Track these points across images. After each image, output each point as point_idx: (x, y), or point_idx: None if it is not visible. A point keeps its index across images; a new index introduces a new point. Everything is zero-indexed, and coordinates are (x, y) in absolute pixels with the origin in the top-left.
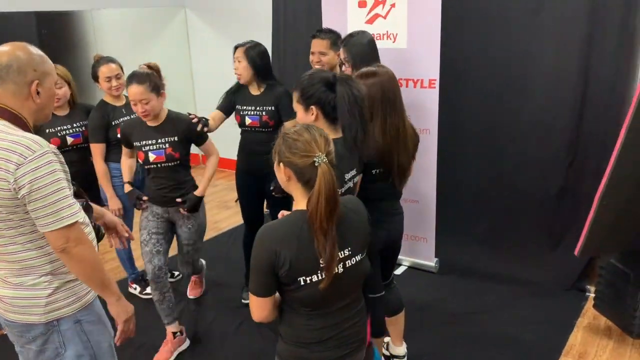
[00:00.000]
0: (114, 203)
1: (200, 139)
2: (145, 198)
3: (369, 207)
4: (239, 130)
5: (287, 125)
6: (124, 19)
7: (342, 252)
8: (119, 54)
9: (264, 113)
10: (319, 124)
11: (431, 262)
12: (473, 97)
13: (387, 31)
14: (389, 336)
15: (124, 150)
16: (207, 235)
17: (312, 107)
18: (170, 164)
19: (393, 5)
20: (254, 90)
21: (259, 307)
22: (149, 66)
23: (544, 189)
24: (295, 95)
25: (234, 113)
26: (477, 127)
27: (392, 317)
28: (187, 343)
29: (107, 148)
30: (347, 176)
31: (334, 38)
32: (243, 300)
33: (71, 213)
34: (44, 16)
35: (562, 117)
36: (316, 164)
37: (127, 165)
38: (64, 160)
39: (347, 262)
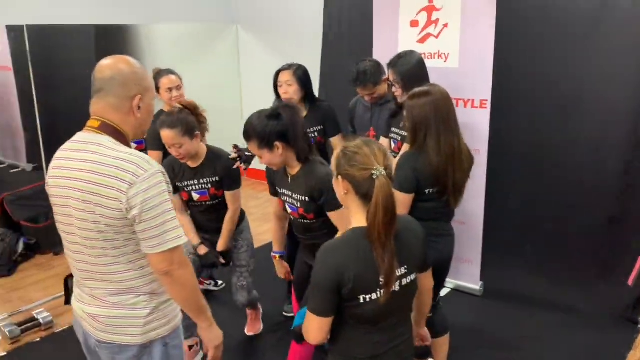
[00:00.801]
0: None
1: (232, 185)
2: (222, 261)
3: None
4: None
5: (334, 142)
6: (178, 33)
7: (398, 270)
8: (172, 67)
9: (316, 134)
10: (287, 154)
11: (476, 285)
12: (524, 118)
13: (438, 51)
14: (432, 358)
15: (177, 204)
16: None
17: (276, 143)
18: (214, 202)
19: (446, 25)
20: (302, 112)
21: (319, 329)
22: (184, 106)
23: (595, 215)
24: (255, 142)
25: None
26: (527, 149)
27: (437, 338)
28: (200, 355)
29: (165, 156)
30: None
31: (373, 79)
32: (285, 314)
33: (176, 236)
34: (101, 29)
35: (617, 142)
36: (374, 177)
37: (186, 223)
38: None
39: (403, 280)
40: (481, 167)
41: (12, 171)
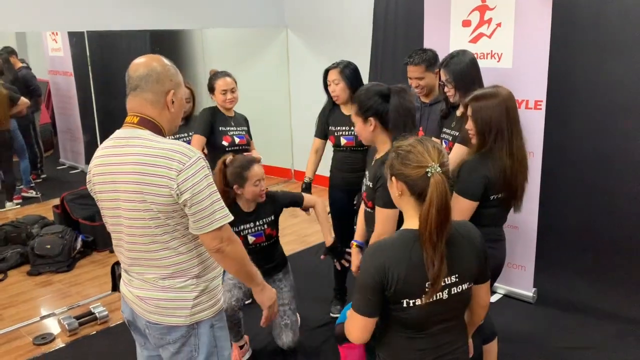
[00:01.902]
0: None
1: (297, 201)
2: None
3: None
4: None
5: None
6: (230, 37)
7: (448, 278)
8: (225, 69)
9: None
10: (377, 135)
11: (529, 292)
12: (582, 121)
13: (491, 50)
14: None
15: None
16: (296, 249)
17: (370, 118)
18: (268, 242)
19: (499, 25)
20: (347, 110)
21: (362, 328)
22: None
23: None
24: (354, 108)
25: (328, 134)
26: (585, 152)
27: (485, 344)
28: (250, 352)
29: (212, 153)
30: None
31: (428, 60)
32: (331, 314)
33: (223, 215)
34: (157, 35)
35: None
36: (429, 174)
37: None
38: (209, 165)
39: (452, 289)
40: (535, 171)
41: (71, 172)
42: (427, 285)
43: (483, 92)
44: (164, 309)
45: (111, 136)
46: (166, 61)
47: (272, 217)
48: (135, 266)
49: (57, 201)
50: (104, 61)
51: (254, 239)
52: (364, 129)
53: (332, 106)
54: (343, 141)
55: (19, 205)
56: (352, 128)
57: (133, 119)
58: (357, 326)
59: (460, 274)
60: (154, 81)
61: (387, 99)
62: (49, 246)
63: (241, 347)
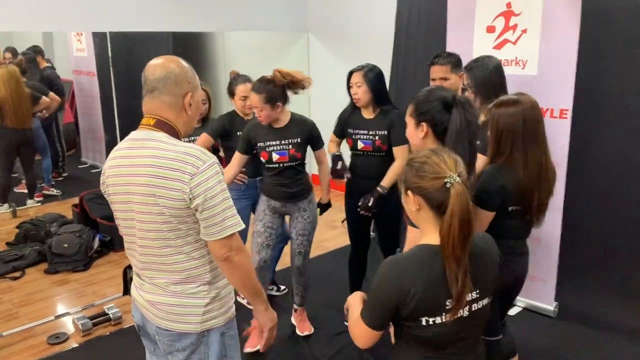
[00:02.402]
0: None
1: (318, 144)
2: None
3: (498, 245)
4: (349, 151)
5: (397, 152)
6: (252, 41)
7: (470, 294)
8: (245, 72)
9: (377, 137)
10: (428, 142)
11: (550, 306)
12: (609, 130)
13: (516, 57)
14: None
15: (236, 157)
16: (313, 254)
17: (423, 123)
18: (292, 164)
19: (524, 31)
20: (368, 114)
21: (368, 338)
22: (273, 75)
23: None
24: (410, 108)
25: (345, 137)
26: (611, 164)
27: None
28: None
29: (229, 157)
30: None
31: (453, 61)
32: (346, 323)
33: (234, 222)
34: (179, 36)
35: None
36: (448, 185)
37: (228, 176)
38: (223, 171)
39: (473, 306)
40: (559, 181)
41: (92, 171)
42: (447, 303)
43: (505, 99)
44: (175, 315)
45: (127, 137)
46: (184, 63)
47: (298, 140)
48: (147, 270)
49: (77, 200)
50: (126, 62)
51: (278, 157)
52: (415, 134)
53: (353, 108)
54: (360, 145)
55: (39, 203)
56: (370, 132)
57: (149, 120)
58: (362, 335)
59: (481, 290)
60: (172, 83)
61: (449, 107)
62: (66, 245)
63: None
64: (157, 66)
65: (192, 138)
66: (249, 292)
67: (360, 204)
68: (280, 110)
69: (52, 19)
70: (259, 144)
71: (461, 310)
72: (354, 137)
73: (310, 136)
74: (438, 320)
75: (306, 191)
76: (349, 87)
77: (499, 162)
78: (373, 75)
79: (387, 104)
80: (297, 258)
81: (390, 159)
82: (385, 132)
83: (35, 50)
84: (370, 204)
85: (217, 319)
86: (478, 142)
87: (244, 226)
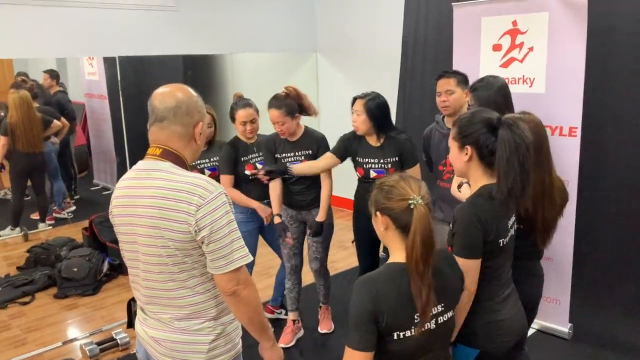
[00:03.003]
0: (263, 210)
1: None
2: (289, 234)
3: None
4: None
5: (411, 174)
6: (260, 62)
7: (435, 308)
8: (254, 93)
9: (389, 165)
10: (472, 166)
11: (564, 328)
12: (619, 147)
13: (523, 75)
14: None
15: (273, 183)
16: None
17: (468, 146)
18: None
19: (531, 49)
20: (374, 142)
21: None
22: (288, 91)
23: None
24: (453, 131)
25: (354, 165)
26: (622, 180)
27: None
28: (302, 331)
29: (236, 183)
30: (510, 222)
31: (460, 77)
32: None
33: (242, 255)
34: (189, 59)
35: None
36: (412, 206)
37: (275, 195)
38: (231, 201)
39: (439, 318)
40: (570, 200)
41: (104, 193)
42: (416, 317)
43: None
44: (178, 352)
45: (133, 167)
46: (192, 92)
47: (310, 152)
48: (151, 305)
49: (87, 223)
50: (135, 85)
51: (375, 174)
52: (458, 157)
53: (357, 135)
54: (373, 174)
55: (51, 227)
56: (382, 160)
57: (155, 150)
58: None
59: (445, 303)
60: (183, 113)
61: (494, 130)
62: (75, 269)
63: (294, 322)
64: (166, 95)
65: (203, 163)
66: (255, 329)
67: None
68: (298, 123)
69: (63, 45)
70: (276, 155)
71: (428, 324)
72: (365, 166)
73: (319, 148)
74: (408, 333)
75: (319, 199)
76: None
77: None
78: (373, 105)
79: (391, 130)
80: (314, 263)
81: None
82: (397, 159)
83: (53, 75)
84: None
85: (223, 357)
86: None
87: (252, 259)
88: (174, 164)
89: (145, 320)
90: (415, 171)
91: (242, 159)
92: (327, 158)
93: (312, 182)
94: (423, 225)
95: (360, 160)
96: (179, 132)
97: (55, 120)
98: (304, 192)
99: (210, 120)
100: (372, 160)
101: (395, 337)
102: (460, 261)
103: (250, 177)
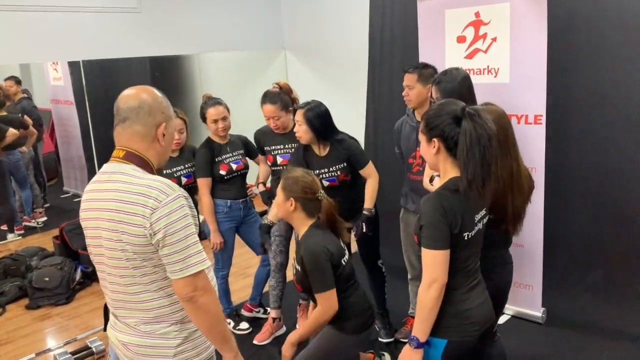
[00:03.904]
0: (216, 237)
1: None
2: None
3: (481, 257)
4: None
5: (366, 172)
6: (228, 61)
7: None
8: (223, 93)
9: (339, 172)
10: (441, 158)
11: (538, 312)
12: (584, 133)
13: (487, 66)
14: None
15: (261, 158)
16: None
17: (435, 139)
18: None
19: (494, 40)
20: (320, 151)
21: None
22: (280, 85)
23: None
24: (421, 125)
25: None
26: (588, 165)
27: None
28: (283, 329)
29: (212, 184)
30: (477, 216)
31: (423, 72)
32: (380, 339)
33: (199, 260)
34: (155, 61)
35: None
36: (320, 198)
37: (263, 170)
38: (192, 204)
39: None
40: (538, 187)
41: (75, 200)
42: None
43: None
44: (145, 357)
45: (100, 170)
46: (158, 93)
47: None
48: (119, 309)
49: (58, 231)
50: (103, 89)
51: (281, 159)
52: (427, 151)
53: (305, 145)
54: (326, 183)
55: (20, 237)
56: (331, 169)
57: (119, 152)
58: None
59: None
60: (145, 114)
61: (459, 121)
62: (47, 278)
63: (273, 320)
64: (130, 96)
65: (178, 171)
66: (216, 338)
67: (354, 234)
68: (290, 117)
69: (25, 51)
70: (265, 148)
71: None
72: (318, 177)
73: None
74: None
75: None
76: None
77: None
78: (312, 115)
79: (334, 136)
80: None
81: (355, 183)
82: (345, 164)
83: (16, 82)
84: (364, 230)
85: None
86: None
87: (209, 264)
88: (137, 167)
89: (115, 324)
90: (368, 170)
91: (217, 159)
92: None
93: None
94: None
95: (316, 172)
96: (140, 132)
97: (10, 129)
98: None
99: (182, 126)
100: (322, 171)
101: None
102: (429, 253)
103: (226, 177)
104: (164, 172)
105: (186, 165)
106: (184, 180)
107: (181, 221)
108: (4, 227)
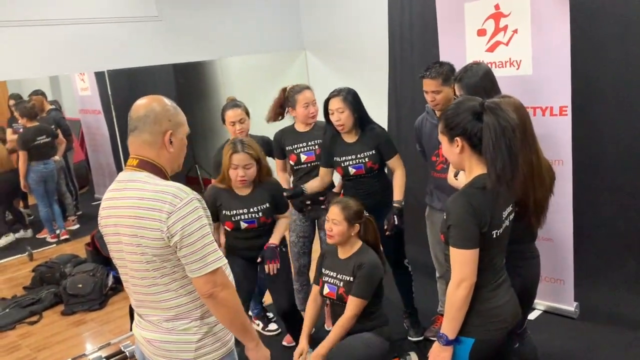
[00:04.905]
0: None
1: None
2: (309, 202)
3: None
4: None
5: (392, 164)
6: (249, 64)
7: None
8: (245, 96)
9: (367, 159)
10: (465, 157)
11: (570, 307)
12: (612, 123)
13: (509, 58)
14: None
15: (280, 164)
16: None
17: (457, 138)
18: (313, 164)
19: (515, 31)
20: (350, 138)
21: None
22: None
23: None
24: (440, 125)
25: (334, 166)
26: (618, 155)
27: None
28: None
29: (207, 182)
30: (505, 213)
31: (445, 73)
32: (410, 338)
33: (216, 258)
34: (179, 67)
35: None
36: None
37: (283, 178)
38: (206, 206)
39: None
40: (566, 180)
41: None
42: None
43: None
44: (168, 352)
45: (116, 178)
46: (167, 101)
47: (321, 141)
48: (142, 308)
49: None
50: (128, 98)
51: (305, 157)
52: (450, 151)
53: (332, 135)
54: (352, 171)
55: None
56: (359, 156)
57: (133, 161)
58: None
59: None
60: (151, 122)
61: (480, 116)
62: (80, 285)
63: None
64: (140, 106)
65: None
66: (237, 330)
67: (386, 227)
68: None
69: (52, 63)
70: (287, 148)
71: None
72: (342, 164)
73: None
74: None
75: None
76: (327, 115)
77: None
78: (352, 98)
79: (368, 123)
80: None
81: (382, 174)
82: (374, 152)
83: (38, 94)
84: (396, 223)
85: (212, 355)
86: None
87: (226, 261)
88: (150, 174)
89: (140, 322)
90: (396, 161)
91: None
92: (323, 172)
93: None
94: None
95: (338, 159)
96: (148, 140)
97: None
98: (312, 176)
99: (249, 161)
100: (349, 157)
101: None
102: (458, 252)
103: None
104: (223, 212)
105: (252, 210)
106: (244, 225)
107: (196, 222)
108: (42, 235)
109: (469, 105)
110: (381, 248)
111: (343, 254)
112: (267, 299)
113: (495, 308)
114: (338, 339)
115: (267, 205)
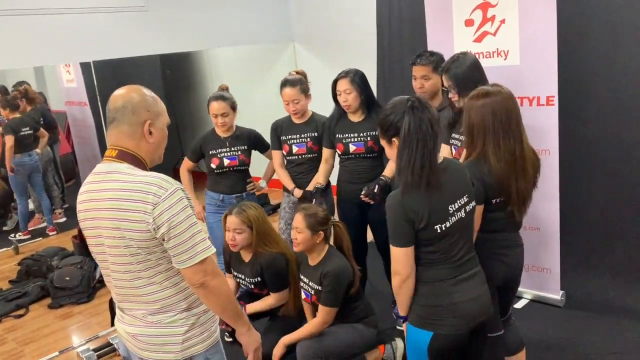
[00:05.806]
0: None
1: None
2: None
3: (486, 239)
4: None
5: None
6: (237, 56)
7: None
8: (233, 87)
9: (369, 138)
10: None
11: (557, 295)
12: (599, 113)
13: (497, 48)
14: None
15: (278, 158)
16: None
17: (394, 139)
18: (310, 156)
19: (503, 22)
20: (355, 117)
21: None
22: (297, 72)
23: None
24: (378, 130)
25: (335, 143)
26: (604, 144)
27: (511, 356)
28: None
29: (208, 176)
30: (453, 205)
31: (435, 62)
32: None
33: (205, 247)
34: (166, 59)
35: None
36: None
37: (284, 174)
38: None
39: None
40: (552, 169)
41: None
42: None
43: (476, 92)
44: (154, 345)
45: (93, 170)
46: (145, 91)
47: (316, 134)
48: (124, 302)
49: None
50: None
51: (297, 149)
52: (392, 153)
53: (339, 115)
54: (352, 148)
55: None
56: (361, 134)
57: (112, 152)
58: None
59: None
60: (129, 112)
61: (413, 109)
62: (68, 278)
63: None
64: (118, 96)
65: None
66: (230, 316)
67: (364, 191)
68: (309, 102)
69: (37, 54)
70: (282, 138)
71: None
72: (344, 141)
73: (324, 131)
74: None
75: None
76: (335, 96)
77: (474, 156)
78: (360, 80)
79: (374, 105)
80: None
81: (379, 161)
82: (377, 133)
83: (22, 85)
84: (375, 191)
85: (198, 346)
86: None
87: (214, 250)
88: (130, 165)
89: (122, 317)
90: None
91: (210, 152)
92: (327, 154)
93: (315, 165)
94: None
95: (339, 136)
96: (126, 131)
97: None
98: (307, 175)
99: (240, 226)
100: (352, 135)
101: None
102: (392, 248)
103: (216, 171)
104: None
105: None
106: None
107: (183, 213)
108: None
109: (400, 105)
110: (351, 253)
111: (312, 260)
112: None
113: (457, 304)
114: (302, 337)
115: (259, 278)
